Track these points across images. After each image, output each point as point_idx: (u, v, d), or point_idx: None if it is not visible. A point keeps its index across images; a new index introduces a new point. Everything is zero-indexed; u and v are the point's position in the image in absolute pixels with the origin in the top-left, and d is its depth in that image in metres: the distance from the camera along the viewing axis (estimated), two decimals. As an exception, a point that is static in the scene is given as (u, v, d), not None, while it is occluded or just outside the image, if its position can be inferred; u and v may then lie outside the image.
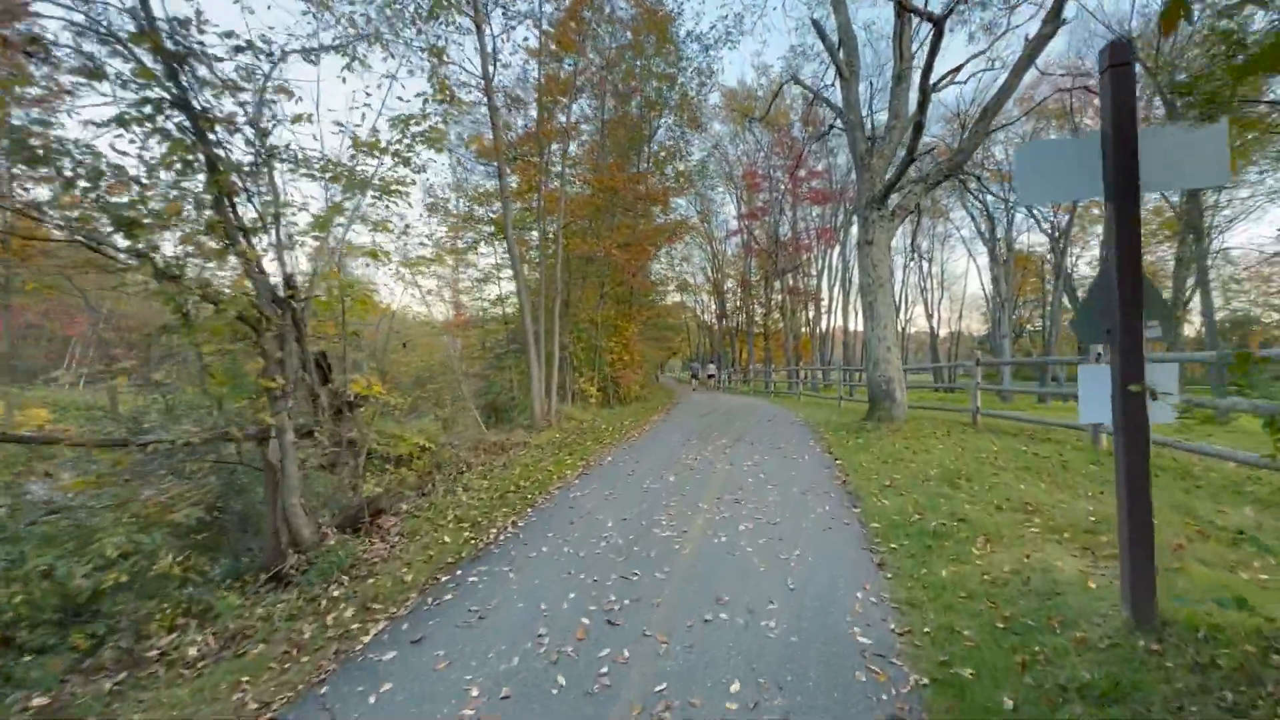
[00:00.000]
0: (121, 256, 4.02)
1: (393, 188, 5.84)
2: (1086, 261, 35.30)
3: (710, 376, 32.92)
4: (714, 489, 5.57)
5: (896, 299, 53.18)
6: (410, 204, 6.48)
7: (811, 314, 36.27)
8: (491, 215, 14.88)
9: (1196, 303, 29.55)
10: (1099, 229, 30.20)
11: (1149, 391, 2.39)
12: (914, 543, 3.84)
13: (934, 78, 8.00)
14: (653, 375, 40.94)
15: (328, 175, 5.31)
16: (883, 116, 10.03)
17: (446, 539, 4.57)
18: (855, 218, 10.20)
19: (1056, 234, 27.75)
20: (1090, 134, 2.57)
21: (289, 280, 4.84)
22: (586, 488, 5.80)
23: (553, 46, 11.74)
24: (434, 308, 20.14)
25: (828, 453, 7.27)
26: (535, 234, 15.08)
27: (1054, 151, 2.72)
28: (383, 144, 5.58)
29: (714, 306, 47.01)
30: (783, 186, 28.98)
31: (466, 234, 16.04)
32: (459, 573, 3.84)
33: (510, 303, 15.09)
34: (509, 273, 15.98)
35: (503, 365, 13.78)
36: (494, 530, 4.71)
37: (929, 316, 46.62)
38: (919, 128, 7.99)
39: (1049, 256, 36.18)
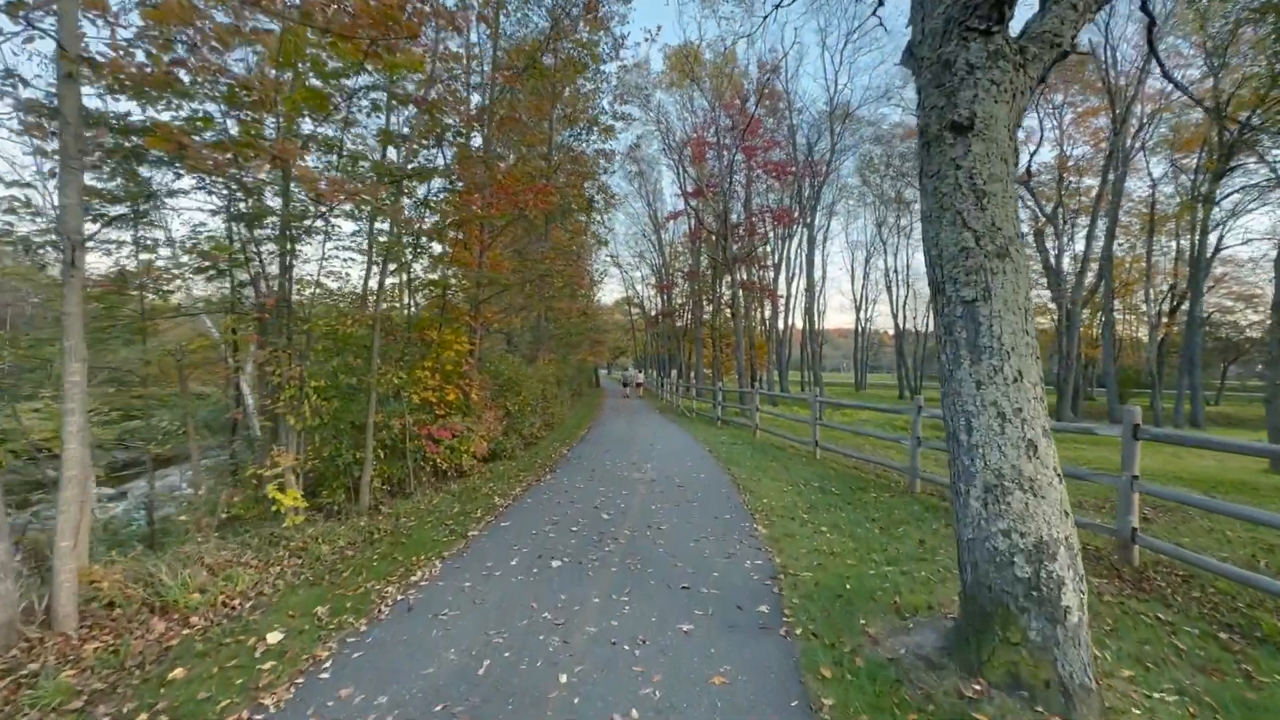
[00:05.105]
0: None
1: None
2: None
3: (639, 384, 31.58)
4: None
5: (856, 296, 47.26)
6: None
7: (768, 313, 30.89)
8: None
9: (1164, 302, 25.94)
10: (1085, 221, 25.91)
11: None
12: None
13: None
14: (589, 381, 35.03)
15: None
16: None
17: None
18: (913, 69, 3.04)
19: (1051, 216, 23.08)
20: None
21: None
22: None
23: None
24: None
25: None
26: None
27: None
28: None
29: (660, 302, 41.27)
30: (731, 156, 23.13)
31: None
32: None
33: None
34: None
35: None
36: None
37: (894, 315, 42.38)
38: None
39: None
